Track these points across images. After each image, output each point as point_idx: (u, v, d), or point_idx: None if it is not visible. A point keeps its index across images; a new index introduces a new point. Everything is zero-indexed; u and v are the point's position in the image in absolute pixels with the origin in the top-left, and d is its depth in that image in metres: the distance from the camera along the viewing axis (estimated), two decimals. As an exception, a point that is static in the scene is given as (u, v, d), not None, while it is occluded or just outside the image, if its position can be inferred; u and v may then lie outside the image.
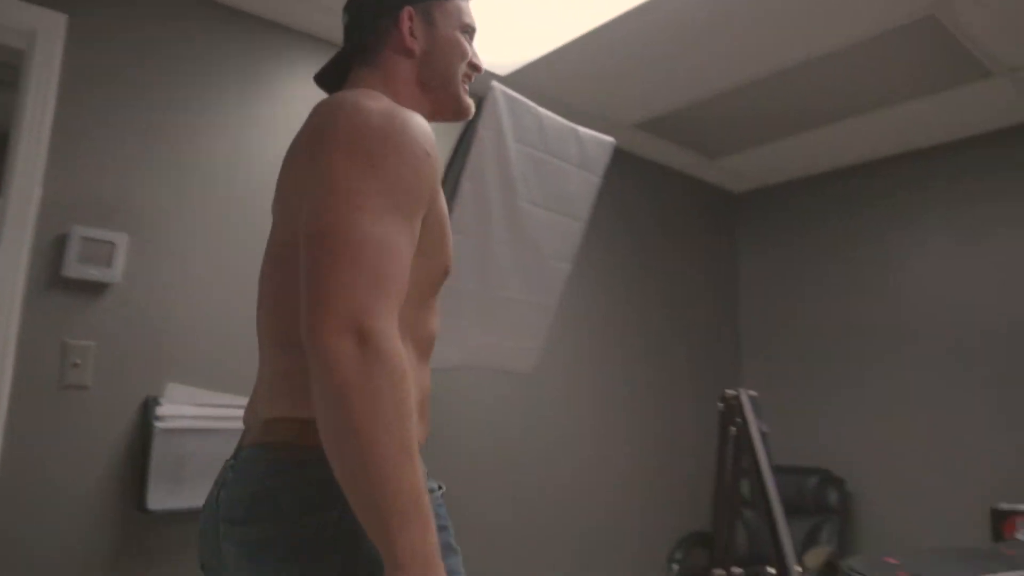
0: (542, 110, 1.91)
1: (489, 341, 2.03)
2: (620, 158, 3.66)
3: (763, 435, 0.72)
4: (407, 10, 1.16)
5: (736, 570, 0.78)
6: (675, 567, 3.63)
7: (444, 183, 1.90)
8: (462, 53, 1.21)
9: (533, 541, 3.07)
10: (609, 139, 2.06)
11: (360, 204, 0.91)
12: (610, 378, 3.47)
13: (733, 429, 0.73)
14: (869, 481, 3.54)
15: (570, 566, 3.18)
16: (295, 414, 0.96)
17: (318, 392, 0.85)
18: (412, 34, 1.17)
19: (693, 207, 4.08)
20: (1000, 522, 1.59)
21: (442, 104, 1.21)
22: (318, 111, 1.02)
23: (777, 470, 3.74)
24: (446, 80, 1.20)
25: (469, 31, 1.23)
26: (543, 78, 2.91)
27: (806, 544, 3.39)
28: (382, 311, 0.87)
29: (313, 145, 0.98)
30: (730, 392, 0.74)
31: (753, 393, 0.72)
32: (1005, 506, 1.60)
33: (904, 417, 3.47)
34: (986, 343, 3.25)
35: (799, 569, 0.69)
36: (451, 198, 1.78)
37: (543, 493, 3.10)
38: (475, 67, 1.25)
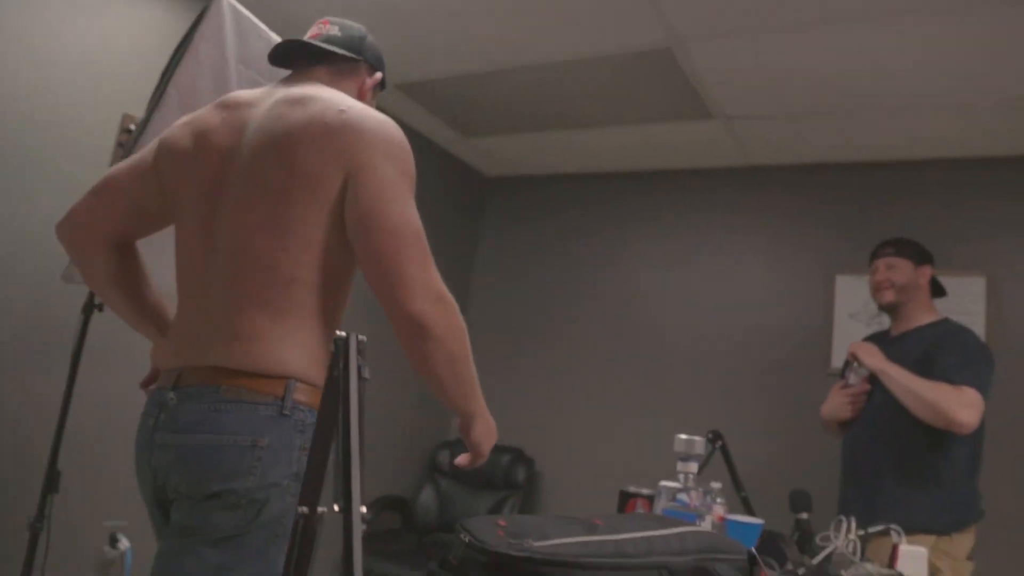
0: (274, 35, 1.81)
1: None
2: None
3: (363, 380, 0.73)
4: (377, 75, 1.54)
5: (322, 508, 0.79)
6: (363, 528, 3.69)
7: (154, 93, 1.73)
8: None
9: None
10: (347, 86, 2.00)
11: (409, 203, 1.27)
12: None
13: (336, 373, 0.74)
14: (554, 463, 3.84)
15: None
16: (251, 369, 1.21)
17: (420, 342, 1.23)
18: (368, 88, 1.52)
19: (444, 181, 4.14)
20: (624, 502, 1.80)
21: None
22: (344, 109, 1.29)
23: (477, 445, 3.94)
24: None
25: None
26: (298, 7, 2.77)
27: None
28: (439, 277, 1.27)
29: (375, 132, 1.28)
30: (339, 334, 0.74)
31: (362, 338, 0.73)
32: (631, 489, 1.81)
33: (591, 410, 3.81)
34: (666, 353, 3.67)
35: (363, 509, 0.71)
36: (154, 107, 1.63)
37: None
38: None
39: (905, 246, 2.54)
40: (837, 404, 2.55)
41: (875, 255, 2.57)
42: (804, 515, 2.22)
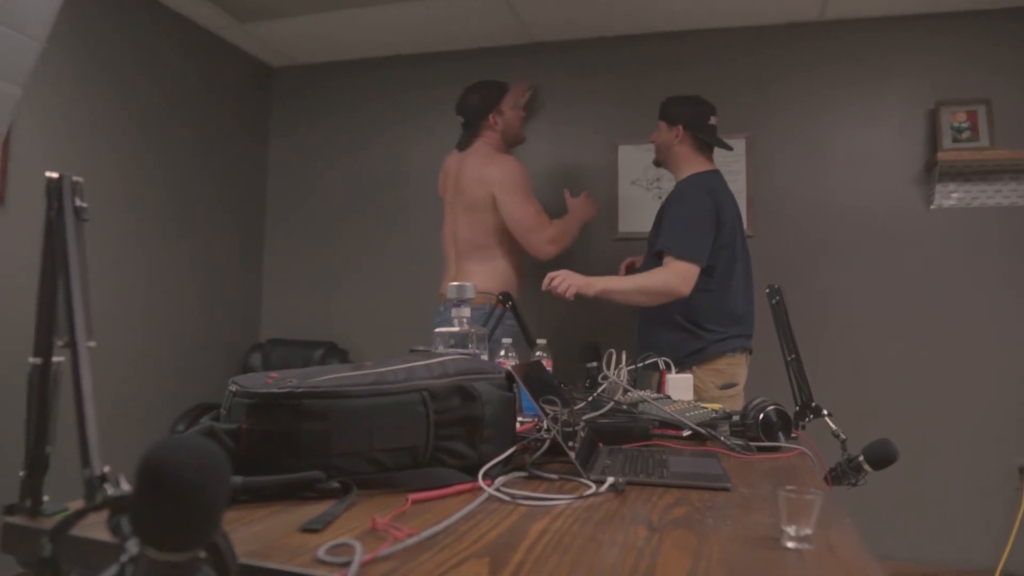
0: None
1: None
2: (143, 3, 3.28)
3: (81, 220, 0.70)
4: (493, 114, 2.92)
5: (57, 358, 0.77)
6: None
7: None
8: (519, 120, 3.04)
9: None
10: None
11: (527, 203, 2.85)
12: (117, 244, 3.18)
13: (51, 214, 0.70)
14: (368, 351, 3.89)
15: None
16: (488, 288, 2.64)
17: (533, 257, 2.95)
18: (495, 123, 2.93)
19: (223, 72, 3.87)
20: (414, 359, 1.88)
21: (510, 146, 3.03)
22: (489, 157, 2.88)
23: (287, 344, 3.91)
24: (512, 138, 3.03)
25: (516, 105, 3.02)
26: None
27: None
28: (551, 233, 2.91)
29: (495, 172, 2.82)
30: (51, 175, 0.70)
31: (78, 179, 0.70)
32: (419, 347, 1.89)
33: (395, 294, 3.87)
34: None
35: (93, 344, 0.70)
36: None
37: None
38: (522, 121, 3.09)
39: (665, 107, 2.73)
40: None
41: None
42: (593, 363, 2.43)
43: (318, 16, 3.49)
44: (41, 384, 0.81)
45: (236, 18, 3.54)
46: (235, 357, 3.96)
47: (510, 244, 2.89)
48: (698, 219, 2.50)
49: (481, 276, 2.82)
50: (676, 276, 2.46)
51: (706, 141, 2.69)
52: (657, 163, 2.84)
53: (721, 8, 3.35)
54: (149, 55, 3.36)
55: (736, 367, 2.64)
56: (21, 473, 0.82)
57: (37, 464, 0.82)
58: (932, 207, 3.28)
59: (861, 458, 1.59)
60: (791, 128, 3.46)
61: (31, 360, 0.80)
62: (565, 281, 2.47)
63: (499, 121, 2.91)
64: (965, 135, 3.20)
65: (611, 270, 3.59)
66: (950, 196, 3.27)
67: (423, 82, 3.93)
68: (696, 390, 2.52)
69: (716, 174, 2.67)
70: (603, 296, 2.52)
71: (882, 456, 1.58)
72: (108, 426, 3.08)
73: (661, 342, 2.57)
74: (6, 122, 1.83)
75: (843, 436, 1.67)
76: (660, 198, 3.52)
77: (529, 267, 3.12)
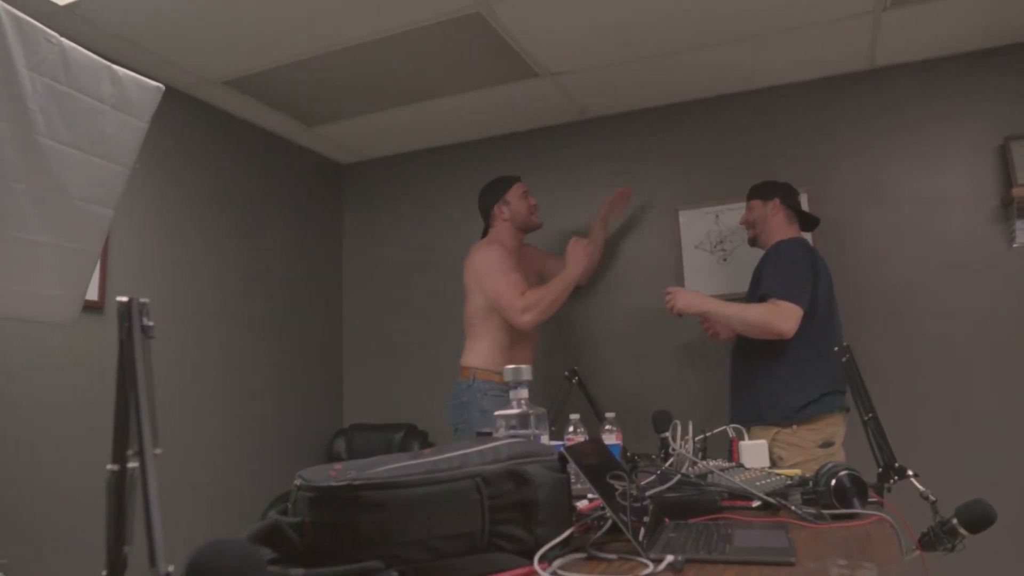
0: (66, 42, 1.78)
1: (12, 288, 1.85)
2: (213, 118, 3.55)
3: (148, 338, 0.78)
4: (497, 205, 3.16)
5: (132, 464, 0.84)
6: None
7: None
8: (526, 208, 3.17)
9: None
10: (155, 84, 1.99)
11: (499, 281, 2.97)
12: (210, 343, 3.37)
13: (122, 335, 0.79)
14: (448, 431, 3.93)
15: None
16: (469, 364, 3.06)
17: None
18: (503, 213, 3.15)
19: (298, 174, 4.12)
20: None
21: (524, 231, 3.23)
22: (476, 250, 3.12)
23: (370, 428, 4.00)
24: (522, 224, 3.18)
25: (525, 195, 3.19)
26: (111, 14, 2.69)
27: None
28: (524, 303, 2.92)
29: (475, 261, 3.06)
30: (121, 299, 0.79)
31: (144, 300, 0.79)
32: (487, 429, 1.92)
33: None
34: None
35: (158, 451, 0.77)
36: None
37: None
38: (532, 208, 3.20)
39: (757, 188, 2.96)
40: None
41: None
42: (666, 433, 2.40)
43: (379, 115, 3.69)
44: (117, 489, 0.88)
45: (305, 124, 3.79)
46: (321, 444, 4.07)
47: (495, 322, 3.03)
48: (796, 266, 2.63)
49: (466, 352, 3.12)
50: (780, 312, 2.53)
51: (798, 211, 2.91)
52: (752, 242, 3.01)
53: (767, 68, 3.38)
54: (236, 161, 3.63)
55: (835, 426, 2.62)
56: (103, 573, 0.89)
57: (117, 565, 0.89)
58: (1015, 245, 3.15)
59: (955, 521, 1.50)
60: (854, 178, 3.41)
61: (108, 467, 0.87)
62: (671, 298, 2.75)
63: (505, 211, 3.15)
64: (1040, 168, 3.08)
65: (681, 338, 3.57)
66: (1032, 233, 3.13)
67: (485, 165, 4.06)
68: (797, 449, 2.49)
69: (807, 240, 2.89)
70: (706, 316, 2.80)
71: (978, 518, 1.48)
72: (210, 514, 3.24)
73: (763, 398, 2.63)
74: (102, 240, 2.02)
75: (932, 498, 1.58)
76: (725, 259, 3.50)
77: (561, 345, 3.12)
